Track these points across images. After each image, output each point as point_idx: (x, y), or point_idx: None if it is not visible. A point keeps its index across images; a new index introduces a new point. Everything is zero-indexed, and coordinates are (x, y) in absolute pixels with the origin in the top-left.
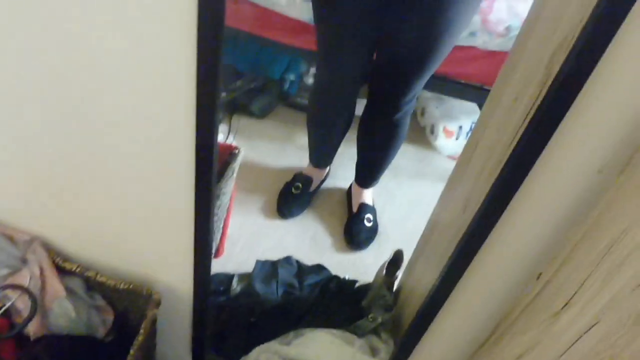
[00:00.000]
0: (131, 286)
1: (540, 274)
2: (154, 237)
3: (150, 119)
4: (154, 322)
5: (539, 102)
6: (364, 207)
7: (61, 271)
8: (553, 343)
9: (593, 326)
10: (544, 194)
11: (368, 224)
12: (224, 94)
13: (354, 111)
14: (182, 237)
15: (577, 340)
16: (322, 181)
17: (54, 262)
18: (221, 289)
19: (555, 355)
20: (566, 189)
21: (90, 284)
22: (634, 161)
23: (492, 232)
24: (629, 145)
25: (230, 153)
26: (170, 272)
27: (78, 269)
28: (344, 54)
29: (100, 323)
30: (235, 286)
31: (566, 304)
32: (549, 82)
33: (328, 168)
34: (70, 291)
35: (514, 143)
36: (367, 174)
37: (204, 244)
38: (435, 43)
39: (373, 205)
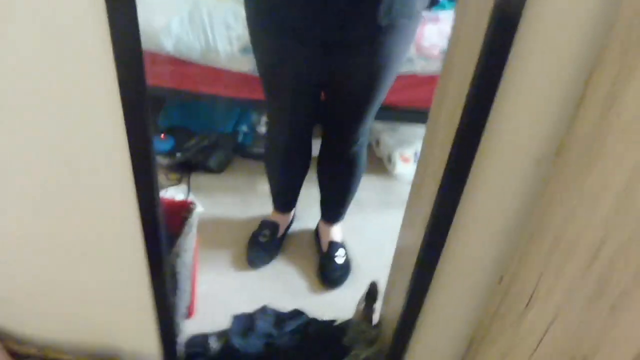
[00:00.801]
0: None
1: (502, 277)
2: (112, 306)
3: (86, 186)
4: None
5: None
6: (333, 245)
7: (16, 355)
8: (523, 344)
9: (556, 319)
10: (488, 196)
11: (340, 261)
12: (178, 154)
13: (311, 152)
14: (140, 301)
15: (544, 336)
16: (289, 225)
17: (6, 347)
18: (199, 350)
19: (527, 356)
20: (508, 186)
21: None
22: (564, 146)
23: (447, 243)
24: (560, 133)
25: (186, 209)
26: (134, 339)
27: (35, 351)
28: (292, 101)
29: None
30: (214, 345)
31: (528, 303)
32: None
33: (293, 211)
34: None
35: None
36: (332, 210)
37: (163, 307)
38: (378, 77)
39: (342, 242)
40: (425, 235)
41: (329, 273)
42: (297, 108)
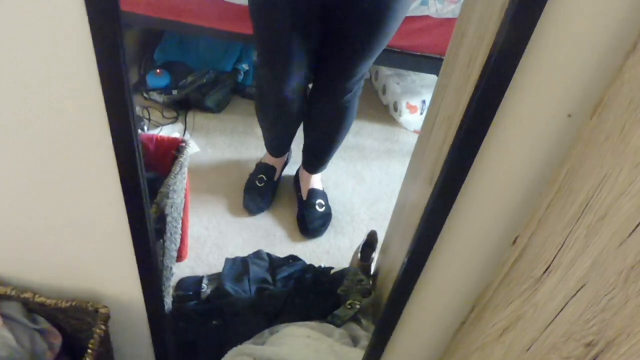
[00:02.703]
0: (74, 303)
1: (517, 238)
2: (90, 246)
3: (59, 120)
4: (104, 339)
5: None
6: (313, 193)
7: None
8: (537, 313)
9: (579, 290)
10: (510, 149)
11: (320, 209)
12: (174, 92)
13: (305, 98)
14: (119, 241)
15: (563, 308)
16: (285, 165)
17: None
18: (190, 293)
19: (541, 327)
20: (533, 139)
21: (30, 306)
22: (605, 101)
23: (459, 197)
24: (599, 85)
25: (177, 147)
26: (115, 282)
27: (13, 292)
28: (286, 39)
29: (47, 348)
30: (205, 288)
31: (547, 269)
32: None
33: (288, 153)
34: (7, 317)
35: None
36: (315, 159)
37: (143, 247)
38: (383, 16)
39: (323, 190)
40: (436, 186)
41: (310, 222)
42: (292, 49)
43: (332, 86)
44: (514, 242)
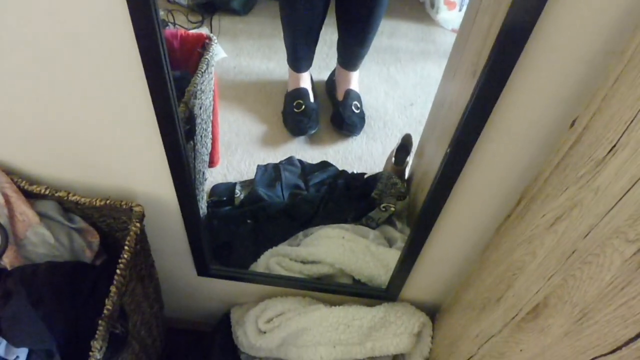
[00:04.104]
0: (108, 202)
1: (575, 119)
2: (121, 145)
3: (83, 20)
4: (139, 237)
5: None
6: (350, 94)
7: (29, 196)
8: (598, 198)
9: None
10: (570, 22)
11: (357, 111)
12: None
13: None
14: (149, 140)
15: (630, 189)
16: (313, 87)
17: (18, 186)
18: (224, 199)
19: (602, 212)
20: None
21: (65, 205)
22: None
23: (509, 81)
24: None
25: (202, 44)
26: (149, 182)
27: (48, 191)
28: None
29: (86, 246)
30: (239, 194)
31: (612, 149)
32: None
33: (309, 71)
34: (44, 216)
35: None
36: (352, 51)
37: (173, 146)
38: None
39: (359, 93)
40: (484, 73)
41: (346, 118)
42: None
43: None
44: (572, 125)
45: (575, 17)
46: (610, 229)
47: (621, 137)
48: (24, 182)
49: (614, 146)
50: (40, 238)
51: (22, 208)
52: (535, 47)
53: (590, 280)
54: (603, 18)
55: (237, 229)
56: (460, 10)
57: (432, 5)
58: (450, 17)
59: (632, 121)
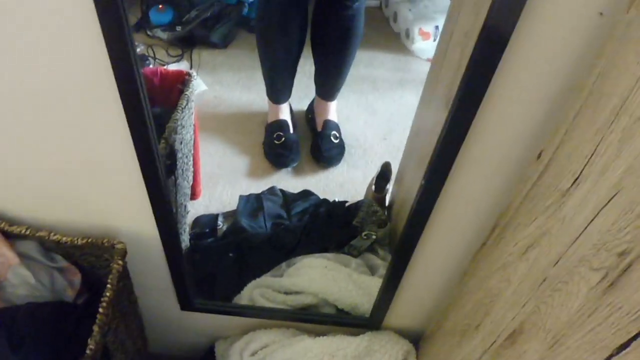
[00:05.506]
0: (90, 240)
1: (541, 152)
2: (102, 183)
3: (61, 61)
4: (122, 274)
5: None
6: (329, 124)
7: (9, 236)
8: (564, 228)
9: (611, 199)
10: (533, 59)
11: (335, 141)
12: (179, 28)
13: (307, 23)
14: (130, 177)
15: (593, 219)
16: (292, 118)
17: None
18: (207, 230)
19: (569, 240)
20: (560, 40)
21: (46, 245)
22: None
23: (478, 114)
24: None
25: (182, 81)
26: (130, 219)
27: (28, 232)
28: None
29: (67, 285)
30: (221, 225)
31: (575, 181)
32: None
33: (289, 102)
34: (25, 256)
35: None
36: (328, 83)
37: (154, 182)
38: None
39: (337, 123)
40: (454, 105)
41: (324, 151)
42: None
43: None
44: (539, 156)
45: (539, 54)
46: (576, 257)
47: (583, 169)
48: (3, 223)
49: (577, 178)
50: (21, 279)
51: (2, 249)
52: (501, 82)
53: (560, 307)
54: (565, 56)
55: (220, 261)
56: (434, 40)
57: (407, 35)
58: (426, 47)
59: (592, 155)
